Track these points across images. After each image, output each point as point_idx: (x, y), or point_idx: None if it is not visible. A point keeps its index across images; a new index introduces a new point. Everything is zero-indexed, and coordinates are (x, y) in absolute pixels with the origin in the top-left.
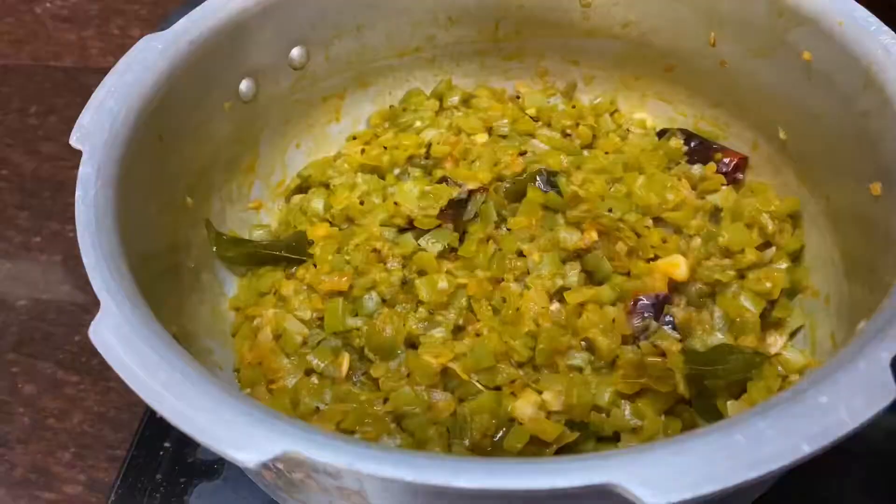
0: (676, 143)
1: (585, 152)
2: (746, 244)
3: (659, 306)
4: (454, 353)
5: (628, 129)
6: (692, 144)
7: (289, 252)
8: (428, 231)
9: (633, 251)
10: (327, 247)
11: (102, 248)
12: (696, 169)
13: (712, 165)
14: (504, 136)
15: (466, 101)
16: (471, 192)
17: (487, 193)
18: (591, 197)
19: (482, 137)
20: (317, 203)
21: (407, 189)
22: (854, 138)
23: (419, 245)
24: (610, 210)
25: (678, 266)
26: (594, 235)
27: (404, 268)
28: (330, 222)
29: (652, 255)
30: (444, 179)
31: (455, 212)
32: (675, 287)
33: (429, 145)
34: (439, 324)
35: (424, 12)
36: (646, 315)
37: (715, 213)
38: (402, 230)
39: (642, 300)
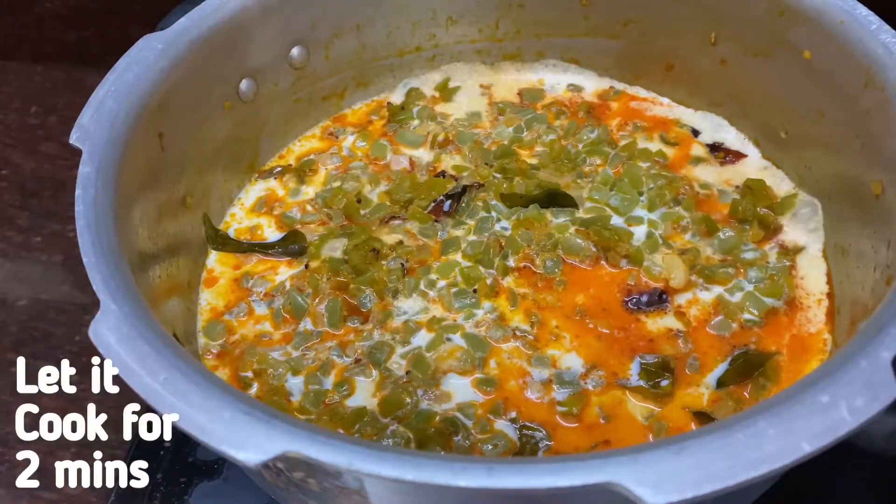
0: None
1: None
2: (746, 243)
3: (656, 297)
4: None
5: None
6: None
7: (285, 250)
8: (423, 223)
9: (630, 257)
10: (324, 245)
11: (102, 248)
12: (697, 169)
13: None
14: (503, 136)
15: (465, 100)
16: (466, 188)
17: (483, 189)
18: (593, 201)
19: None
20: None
21: (403, 181)
22: (855, 137)
23: (415, 236)
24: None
25: (676, 275)
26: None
27: (402, 266)
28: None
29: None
30: (441, 173)
31: (451, 205)
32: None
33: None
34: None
35: (424, 11)
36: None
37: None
38: (395, 218)
39: (635, 296)
